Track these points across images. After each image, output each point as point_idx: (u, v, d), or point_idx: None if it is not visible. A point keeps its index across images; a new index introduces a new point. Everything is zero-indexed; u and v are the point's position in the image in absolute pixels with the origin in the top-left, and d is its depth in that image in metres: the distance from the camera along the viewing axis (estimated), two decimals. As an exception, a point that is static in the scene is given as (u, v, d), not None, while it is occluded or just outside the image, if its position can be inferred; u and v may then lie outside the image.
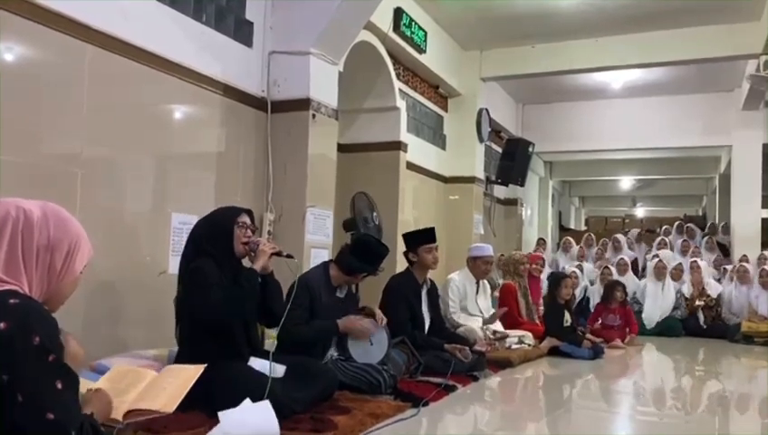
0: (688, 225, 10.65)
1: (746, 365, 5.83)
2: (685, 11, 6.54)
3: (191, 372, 2.11)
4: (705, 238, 9.65)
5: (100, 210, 3.28)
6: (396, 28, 6.03)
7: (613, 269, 7.76)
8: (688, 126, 9.87)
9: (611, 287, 6.56)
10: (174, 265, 3.42)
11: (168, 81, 3.69)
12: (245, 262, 2.91)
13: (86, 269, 1.60)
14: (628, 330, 6.31)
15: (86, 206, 3.18)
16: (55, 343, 1.40)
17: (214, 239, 2.74)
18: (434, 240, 4.20)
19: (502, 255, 7.25)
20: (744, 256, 8.12)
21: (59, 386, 1.38)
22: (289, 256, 2.92)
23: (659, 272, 7.46)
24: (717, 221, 11.47)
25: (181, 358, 2.42)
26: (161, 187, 3.71)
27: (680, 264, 7.92)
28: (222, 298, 2.58)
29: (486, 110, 8.06)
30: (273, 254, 2.79)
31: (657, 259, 7.73)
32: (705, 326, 7.23)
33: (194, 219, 3.14)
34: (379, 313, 3.56)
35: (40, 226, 1.47)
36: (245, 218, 2.82)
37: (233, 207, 2.93)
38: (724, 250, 9.51)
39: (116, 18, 3.33)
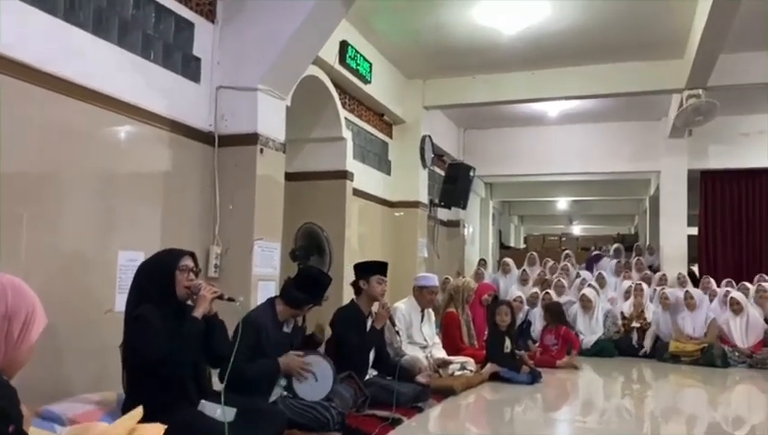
0: (617, 245, 11.15)
1: (674, 383, 6.18)
2: (615, 48, 6.94)
3: (129, 421, 2.16)
4: (635, 260, 10.11)
5: (46, 251, 3.25)
6: (342, 61, 6.15)
7: (552, 293, 8.00)
8: (620, 152, 10.41)
9: (548, 309, 6.89)
10: (120, 303, 3.41)
11: (115, 119, 3.69)
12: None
13: (41, 337, 1.64)
14: (570, 348, 6.56)
15: (32, 247, 3.15)
16: (16, 412, 1.44)
17: (155, 283, 2.77)
18: (386, 274, 4.34)
19: (447, 278, 7.39)
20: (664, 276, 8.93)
21: None
22: (230, 299, 2.93)
23: (585, 305, 7.74)
24: (648, 240, 12.04)
25: (129, 406, 2.44)
26: (108, 225, 3.69)
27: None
28: (165, 348, 2.61)
29: (429, 136, 8.27)
30: (214, 298, 2.83)
31: (583, 292, 7.96)
32: (637, 346, 7.57)
33: (141, 256, 3.10)
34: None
35: (-2, 295, 1.52)
36: (188, 262, 2.84)
37: (175, 251, 2.92)
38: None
39: (60, 57, 3.32)
